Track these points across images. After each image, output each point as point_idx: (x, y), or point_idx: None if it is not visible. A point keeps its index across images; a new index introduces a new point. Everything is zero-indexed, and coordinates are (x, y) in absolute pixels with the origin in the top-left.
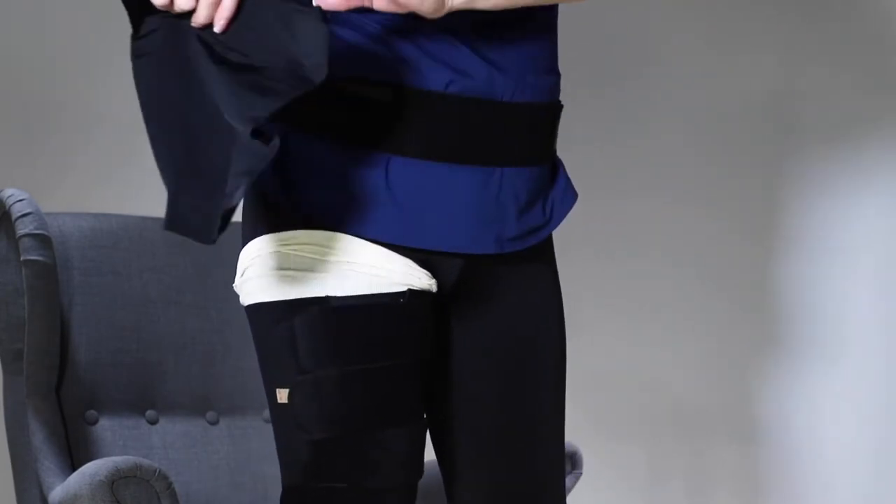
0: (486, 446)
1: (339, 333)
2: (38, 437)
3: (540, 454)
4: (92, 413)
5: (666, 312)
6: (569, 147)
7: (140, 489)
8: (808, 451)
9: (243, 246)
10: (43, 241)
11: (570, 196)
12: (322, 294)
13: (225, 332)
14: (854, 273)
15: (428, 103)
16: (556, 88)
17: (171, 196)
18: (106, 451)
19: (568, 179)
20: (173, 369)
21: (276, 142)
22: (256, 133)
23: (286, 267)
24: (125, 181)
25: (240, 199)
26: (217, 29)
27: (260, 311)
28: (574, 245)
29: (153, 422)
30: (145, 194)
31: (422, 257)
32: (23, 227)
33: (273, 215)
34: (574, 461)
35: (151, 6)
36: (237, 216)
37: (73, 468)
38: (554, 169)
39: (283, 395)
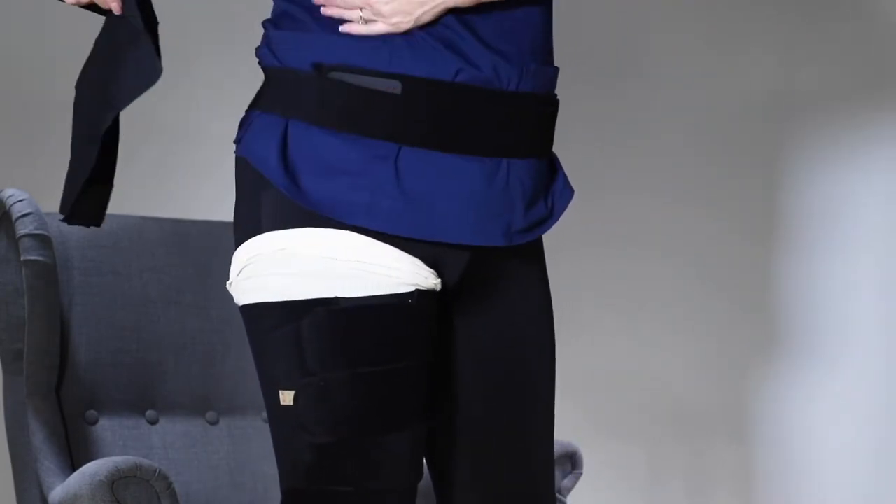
0: (485, 446)
1: (348, 335)
2: (38, 437)
3: (535, 454)
4: (92, 413)
5: (666, 312)
6: (569, 147)
7: (140, 489)
8: (807, 451)
9: (238, 244)
10: (43, 241)
11: (568, 191)
12: (330, 295)
13: (225, 332)
14: (854, 273)
15: (436, 93)
16: (554, 81)
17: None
18: (106, 451)
19: (565, 175)
20: (173, 369)
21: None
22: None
23: (291, 266)
24: (125, 181)
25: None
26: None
27: (260, 312)
28: (574, 245)
29: (153, 422)
30: (145, 194)
31: (429, 251)
32: (23, 227)
33: (275, 211)
34: (574, 461)
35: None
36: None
37: (73, 468)
38: (552, 164)
39: (286, 398)
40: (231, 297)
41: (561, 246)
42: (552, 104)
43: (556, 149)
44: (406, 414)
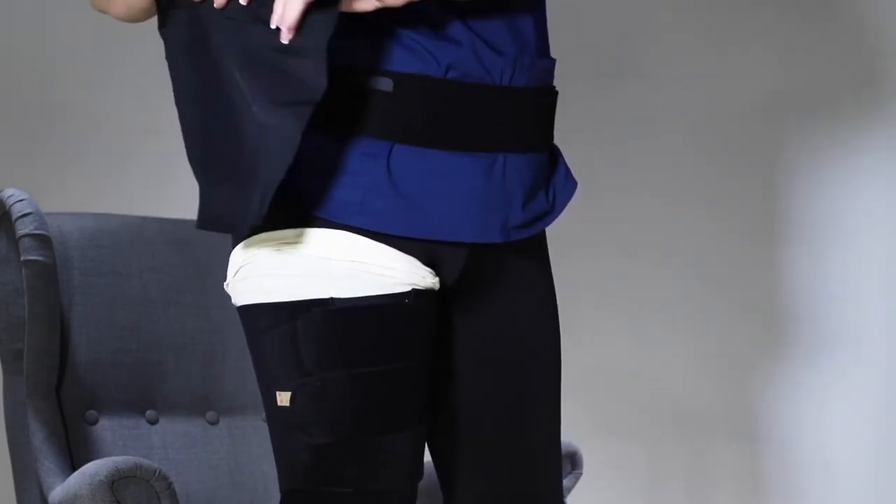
0: (487, 445)
1: (345, 335)
2: (38, 437)
3: (540, 454)
4: (92, 413)
5: (666, 312)
6: (569, 147)
7: (140, 489)
8: (808, 451)
9: (235, 244)
10: (43, 241)
11: (571, 184)
12: (326, 295)
13: (225, 332)
14: (855, 273)
15: (428, 90)
16: (551, 72)
17: (202, 198)
18: (106, 451)
19: (567, 167)
20: (173, 369)
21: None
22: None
23: (287, 266)
24: (125, 181)
25: (267, 208)
26: None
27: (257, 312)
28: (574, 245)
29: (153, 422)
30: (145, 194)
31: (427, 249)
32: (23, 227)
33: (271, 211)
34: (574, 461)
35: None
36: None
37: (73, 468)
38: (553, 156)
39: (283, 398)
40: (231, 297)
41: (561, 246)
42: (550, 95)
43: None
44: (405, 414)
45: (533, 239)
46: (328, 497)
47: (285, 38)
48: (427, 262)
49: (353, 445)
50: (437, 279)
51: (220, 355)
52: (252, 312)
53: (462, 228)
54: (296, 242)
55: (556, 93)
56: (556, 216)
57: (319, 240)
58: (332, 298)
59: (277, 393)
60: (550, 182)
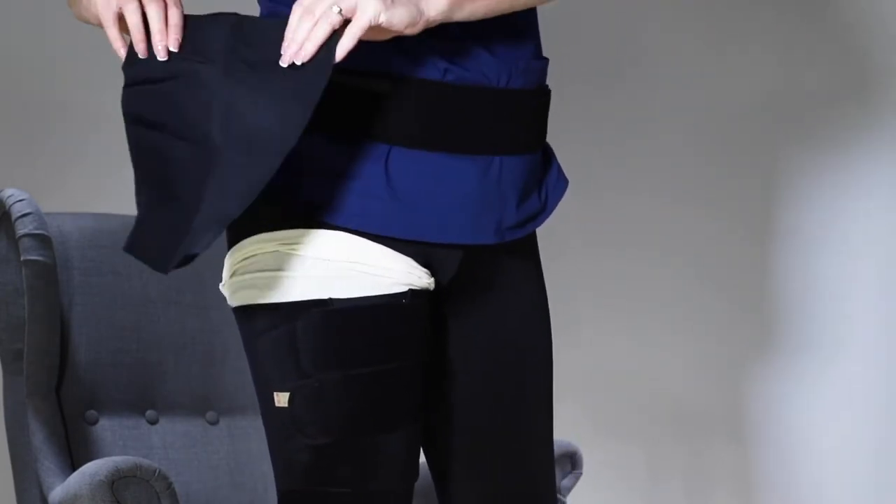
0: (481, 446)
1: (343, 336)
2: (38, 437)
3: (533, 453)
4: (92, 413)
5: (665, 312)
6: (567, 146)
7: (140, 489)
8: (807, 451)
9: (231, 245)
10: (43, 241)
11: (563, 182)
12: (324, 296)
13: (225, 332)
14: (854, 273)
15: (426, 93)
16: (545, 72)
17: (138, 220)
18: (106, 451)
19: (559, 166)
20: (173, 369)
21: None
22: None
23: (284, 267)
24: (125, 181)
25: (206, 247)
26: (172, 46)
27: (254, 313)
28: (573, 245)
29: (153, 422)
30: None
31: (421, 250)
32: (23, 227)
33: (268, 213)
34: (574, 461)
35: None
36: None
37: (73, 468)
38: (545, 155)
39: (281, 399)
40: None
41: (560, 246)
42: (543, 95)
43: (554, 149)
44: (401, 414)
45: (525, 240)
46: (326, 497)
47: (286, 62)
48: (423, 263)
49: (351, 446)
50: (432, 279)
51: (220, 355)
52: (249, 313)
53: (458, 230)
54: (293, 243)
55: (549, 91)
56: (548, 216)
57: (317, 241)
58: (330, 299)
59: (275, 394)
60: (543, 182)
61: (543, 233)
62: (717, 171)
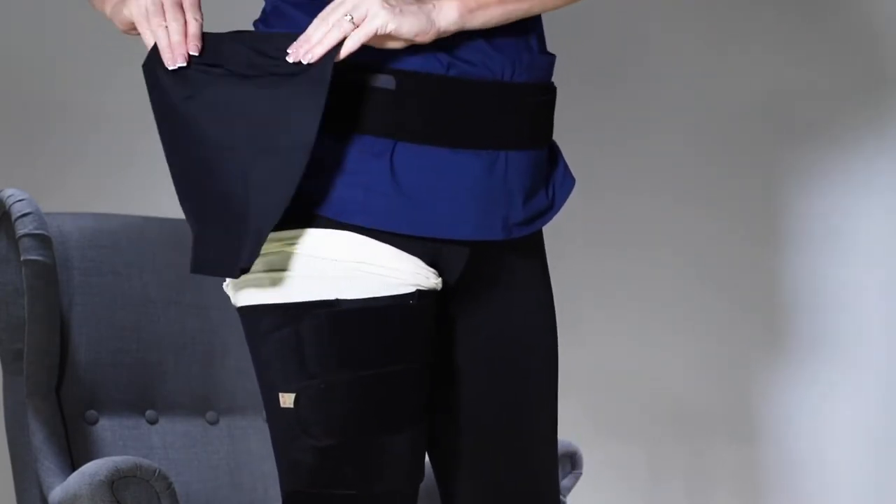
0: (485, 444)
1: (350, 337)
2: (38, 437)
3: (536, 452)
4: (92, 413)
5: (666, 312)
6: (569, 146)
7: (140, 489)
8: (808, 451)
9: None
10: (43, 241)
11: (569, 180)
12: (331, 297)
13: (225, 332)
14: (855, 272)
15: (430, 87)
16: (551, 69)
17: (195, 238)
18: (106, 451)
19: (566, 164)
20: (173, 369)
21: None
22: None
23: (290, 268)
24: (125, 181)
25: (258, 254)
26: (192, 51)
27: (259, 313)
28: (574, 244)
29: (153, 422)
30: (145, 194)
31: (428, 248)
32: (23, 227)
33: None
34: (574, 461)
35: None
36: None
37: (73, 468)
38: (552, 153)
39: (287, 400)
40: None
41: (561, 246)
42: (549, 92)
43: None
44: (407, 415)
45: (531, 238)
46: (331, 499)
47: (292, 59)
48: (429, 262)
49: (356, 447)
50: (440, 280)
51: (220, 355)
52: (254, 313)
53: (464, 226)
54: (299, 243)
55: (555, 89)
56: (556, 213)
57: (323, 240)
58: (337, 300)
59: (280, 394)
60: (550, 179)
61: (544, 232)
62: (718, 171)
